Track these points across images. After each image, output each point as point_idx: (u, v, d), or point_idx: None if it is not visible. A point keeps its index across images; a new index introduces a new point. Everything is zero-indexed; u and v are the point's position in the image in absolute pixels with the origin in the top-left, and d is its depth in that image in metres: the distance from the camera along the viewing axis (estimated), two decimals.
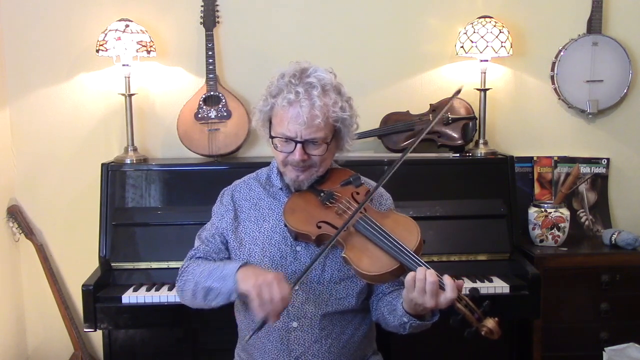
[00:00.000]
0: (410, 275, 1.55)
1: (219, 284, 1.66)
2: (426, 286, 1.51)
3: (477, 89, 2.87)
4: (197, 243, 1.88)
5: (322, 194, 1.76)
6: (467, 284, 2.45)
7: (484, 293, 2.41)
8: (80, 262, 2.79)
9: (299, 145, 1.68)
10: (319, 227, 1.71)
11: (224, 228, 1.84)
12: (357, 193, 1.77)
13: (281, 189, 1.83)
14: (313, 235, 1.70)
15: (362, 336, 1.82)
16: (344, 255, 1.65)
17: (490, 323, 1.52)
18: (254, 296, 1.54)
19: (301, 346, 1.74)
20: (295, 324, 1.74)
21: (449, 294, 1.52)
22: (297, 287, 1.67)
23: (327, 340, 1.75)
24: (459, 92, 1.83)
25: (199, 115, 2.80)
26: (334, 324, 1.76)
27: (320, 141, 1.70)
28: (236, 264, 1.66)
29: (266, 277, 1.56)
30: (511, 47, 2.81)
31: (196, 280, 1.73)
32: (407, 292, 1.57)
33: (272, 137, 1.74)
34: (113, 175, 2.66)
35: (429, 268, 1.54)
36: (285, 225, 1.75)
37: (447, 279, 1.53)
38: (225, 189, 1.92)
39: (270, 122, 1.75)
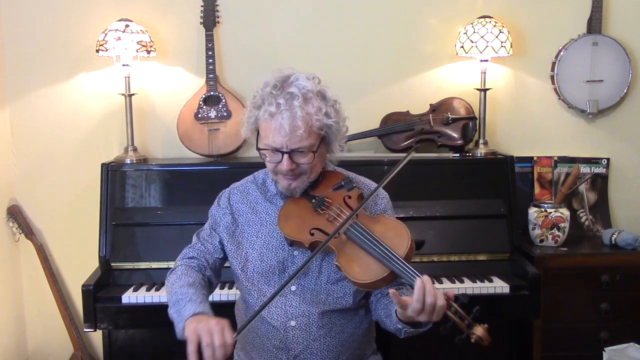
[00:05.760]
0: (405, 298, 1.55)
1: (176, 319, 1.64)
2: (425, 308, 1.52)
3: (477, 89, 2.87)
4: (194, 240, 1.88)
5: (314, 200, 1.76)
6: (467, 284, 2.45)
7: (484, 293, 2.42)
8: (80, 262, 2.79)
9: (285, 156, 1.67)
10: (312, 235, 1.70)
11: (221, 231, 1.85)
12: (349, 197, 1.76)
13: (276, 193, 1.83)
14: (306, 243, 1.70)
15: (361, 335, 1.82)
16: (336, 262, 1.65)
17: (479, 330, 1.52)
18: (191, 340, 1.50)
19: (300, 345, 1.74)
20: (293, 323, 1.74)
21: (439, 302, 1.52)
22: (238, 337, 1.62)
23: (325, 338, 1.75)
24: (412, 148, 1.82)
25: (199, 115, 2.80)
26: (334, 322, 1.76)
27: (306, 150, 1.68)
28: (193, 309, 1.61)
29: (209, 322, 1.52)
30: (511, 47, 2.81)
31: (168, 299, 1.71)
32: (401, 309, 1.57)
33: (259, 149, 1.74)
34: (113, 175, 2.66)
35: (419, 276, 1.54)
36: (280, 232, 1.75)
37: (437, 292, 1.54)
38: (223, 191, 1.92)
39: (258, 132, 1.74)
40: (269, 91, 1.68)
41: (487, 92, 2.86)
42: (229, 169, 2.73)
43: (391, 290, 1.57)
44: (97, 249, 2.59)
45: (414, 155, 1.80)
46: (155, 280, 2.52)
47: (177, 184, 2.67)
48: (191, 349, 1.49)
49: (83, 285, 2.39)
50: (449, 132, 2.87)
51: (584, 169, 2.99)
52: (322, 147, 1.74)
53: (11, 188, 2.95)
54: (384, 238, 1.64)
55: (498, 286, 2.44)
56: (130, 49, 2.68)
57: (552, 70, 2.97)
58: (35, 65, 2.91)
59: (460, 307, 1.54)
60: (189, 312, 1.61)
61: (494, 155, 2.83)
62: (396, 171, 1.73)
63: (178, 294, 1.69)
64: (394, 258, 1.59)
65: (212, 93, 2.82)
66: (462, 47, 2.81)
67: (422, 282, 1.53)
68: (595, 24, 2.91)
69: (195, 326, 1.52)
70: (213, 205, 1.90)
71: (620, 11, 2.98)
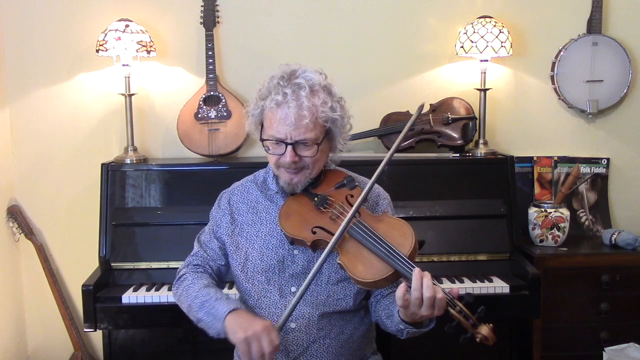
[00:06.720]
0: (403, 291, 1.53)
1: (209, 320, 1.66)
2: (423, 301, 1.51)
3: (477, 89, 2.87)
4: (196, 247, 1.89)
5: (316, 198, 1.75)
6: (467, 284, 2.45)
7: (484, 293, 2.42)
8: (80, 262, 2.79)
9: (289, 147, 1.67)
10: (314, 233, 1.70)
11: (221, 233, 1.85)
12: (351, 196, 1.75)
13: (277, 192, 1.83)
14: (308, 241, 1.69)
15: (361, 336, 1.82)
16: (339, 261, 1.65)
17: (484, 330, 1.51)
18: (244, 351, 1.54)
19: (300, 347, 1.74)
20: (293, 325, 1.74)
21: (438, 294, 1.52)
22: (282, 332, 1.66)
23: (325, 340, 1.75)
24: (421, 108, 1.83)
25: (199, 115, 2.80)
26: (333, 324, 1.76)
27: (310, 142, 1.68)
28: (226, 307, 1.64)
29: (255, 329, 1.55)
30: (511, 47, 2.81)
31: (189, 304, 1.74)
32: (404, 308, 1.56)
33: (262, 140, 1.74)
34: (113, 175, 2.66)
35: (416, 267, 1.54)
36: (281, 230, 1.75)
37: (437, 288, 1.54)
38: (224, 191, 1.92)
39: (262, 126, 1.75)
40: (276, 82, 1.68)
41: (487, 92, 2.86)
42: (229, 169, 2.73)
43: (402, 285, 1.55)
44: (97, 249, 2.59)
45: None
46: (155, 280, 2.51)
47: (177, 184, 2.67)
48: (246, 359, 1.55)
49: (83, 285, 2.39)
50: (449, 132, 2.87)
51: (584, 169, 2.99)
52: (326, 141, 1.74)
53: (11, 188, 2.95)
54: (387, 237, 1.63)
55: (498, 286, 2.44)
56: (130, 49, 2.68)
57: (552, 70, 2.97)
58: (35, 65, 2.91)
59: (465, 307, 1.53)
60: (223, 310, 1.63)
61: (494, 155, 2.83)
62: (404, 133, 1.74)
63: (200, 297, 1.71)
64: (397, 257, 1.58)
65: (212, 93, 2.82)
66: (462, 47, 2.81)
67: (418, 270, 1.54)
68: (595, 24, 2.91)
69: (244, 335, 1.55)
70: (214, 207, 1.90)
71: (620, 11, 2.98)
